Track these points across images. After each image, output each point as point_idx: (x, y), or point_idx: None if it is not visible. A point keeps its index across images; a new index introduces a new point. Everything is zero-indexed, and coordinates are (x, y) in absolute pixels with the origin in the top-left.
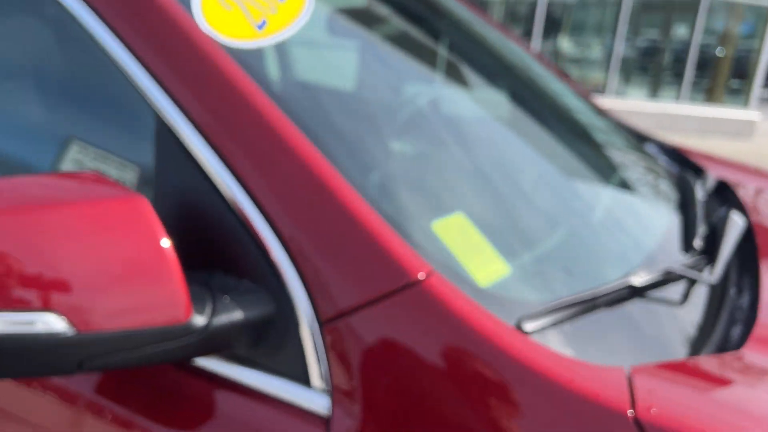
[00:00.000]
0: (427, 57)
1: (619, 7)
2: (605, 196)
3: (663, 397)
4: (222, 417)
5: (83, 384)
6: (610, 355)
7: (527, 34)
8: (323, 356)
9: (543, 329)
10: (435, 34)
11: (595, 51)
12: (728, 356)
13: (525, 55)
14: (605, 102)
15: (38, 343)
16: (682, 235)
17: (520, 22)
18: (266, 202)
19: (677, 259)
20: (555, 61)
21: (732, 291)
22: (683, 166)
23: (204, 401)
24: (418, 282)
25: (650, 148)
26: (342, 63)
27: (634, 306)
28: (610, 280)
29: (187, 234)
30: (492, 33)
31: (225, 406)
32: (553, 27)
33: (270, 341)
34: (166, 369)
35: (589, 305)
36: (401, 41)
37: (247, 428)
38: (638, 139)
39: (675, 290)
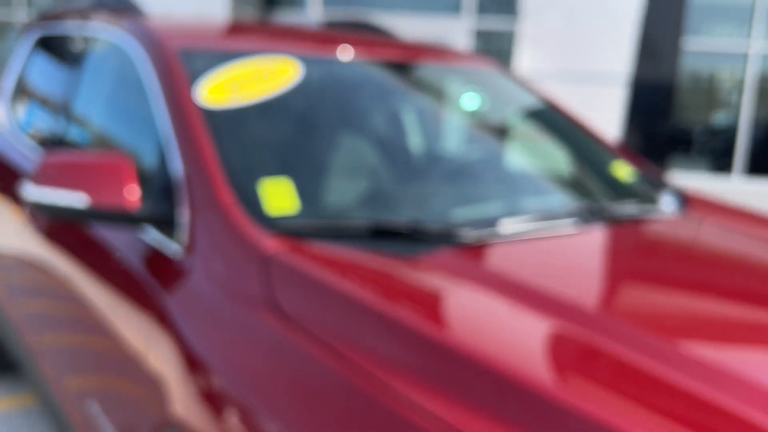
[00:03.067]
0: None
1: None
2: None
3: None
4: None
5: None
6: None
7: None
8: (186, 230)
9: (287, 229)
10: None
11: None
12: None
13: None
14: None
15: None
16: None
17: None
18: (186, 166)
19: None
20: None
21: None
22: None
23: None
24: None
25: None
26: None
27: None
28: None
29: (156, 180)
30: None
31: (143, 249)
32: None
33: (173, 225)
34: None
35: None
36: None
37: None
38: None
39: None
